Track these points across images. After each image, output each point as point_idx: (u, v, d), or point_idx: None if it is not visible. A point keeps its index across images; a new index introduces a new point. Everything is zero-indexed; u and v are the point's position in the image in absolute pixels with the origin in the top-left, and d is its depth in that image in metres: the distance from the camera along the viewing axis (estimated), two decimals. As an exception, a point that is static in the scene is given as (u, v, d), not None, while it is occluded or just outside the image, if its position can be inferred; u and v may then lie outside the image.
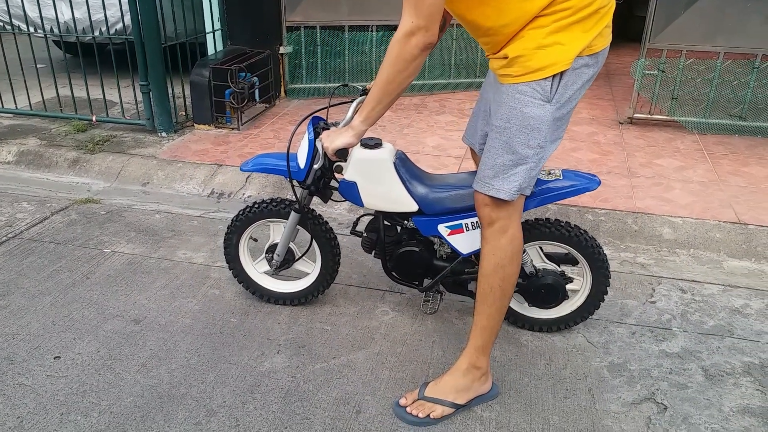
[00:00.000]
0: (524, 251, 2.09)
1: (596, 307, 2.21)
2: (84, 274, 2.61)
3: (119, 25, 4.59)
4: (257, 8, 4.43)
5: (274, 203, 2.28)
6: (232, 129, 4.15)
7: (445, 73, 4.98)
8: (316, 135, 2.03)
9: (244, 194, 3.44)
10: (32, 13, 4.61)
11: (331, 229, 2.30)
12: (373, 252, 2.22)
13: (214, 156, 3.73)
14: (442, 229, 2.07)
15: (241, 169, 2.27)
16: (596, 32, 1.62)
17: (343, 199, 2.12)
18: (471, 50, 4.95)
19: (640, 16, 5.74)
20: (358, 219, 2.29)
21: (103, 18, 4.03)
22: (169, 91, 3.96)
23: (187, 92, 4.18)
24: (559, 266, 2.18)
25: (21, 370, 2.04)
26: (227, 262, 2.40)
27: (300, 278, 2.42)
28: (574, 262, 2.17)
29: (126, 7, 3.72)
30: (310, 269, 2.39)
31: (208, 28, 4.38)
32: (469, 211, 2.00)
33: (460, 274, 2.17)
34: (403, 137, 4.01)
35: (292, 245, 2.31)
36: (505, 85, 1.68)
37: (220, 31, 4.46)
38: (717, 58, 4.01)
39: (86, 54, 4.31)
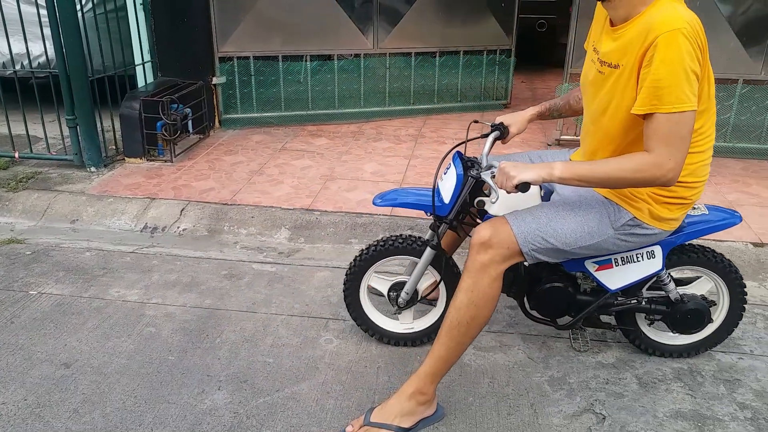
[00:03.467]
0: (669, 279, 2.11)
1: (735, 325, 2.22)
2: (8, 318, 2.47)
3: (42, 59, 4.43)
4: (188, 40, 4.39)
5: (409, 240, 2.19)
6: (165, 161, 4.06)
7: (380, 100, 5.07)
8: (465, 169, 1.99)
9: (179, 227, 3.35)
10: (-53, 47, 4.39)
11: (457, 265, 2.22)
12: (510, 290, 2.13)
13: (146, 189, 3.63)
14: (590, 264, 2.02)
15: (374, 204, 2.17)
16: (677, 214, 1.87)
17: None
18: (404, 78, 5.07)
19: (562, 43, 6.05)
20: None
21: (25, 51, 3.88)
22: (98, 124, 3.84)
23: (117, 125, 4.07)
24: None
25: (-63, 426, 1.90)
26: (345, 300, 2.30)
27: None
28: (689, 282, 2.21)
29: (50, 40, 3.61)
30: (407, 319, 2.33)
31: (138, 60, 4.30)
32: None
33: (607, 308, 2.13)
34: (342, 164, 4.03)
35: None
36: (593, 191, 1.90)
37: (150, 63, 4.38)
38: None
39: (8, 89, 4.13)
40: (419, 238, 2.20)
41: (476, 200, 2.00)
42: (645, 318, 2.21)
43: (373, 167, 4.00)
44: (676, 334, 2.22)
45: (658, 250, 2.00)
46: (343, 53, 4.92)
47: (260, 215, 3.38)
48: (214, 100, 4.67)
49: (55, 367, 2.18)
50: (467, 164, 2.01)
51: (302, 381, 2.15)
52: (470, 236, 2.10)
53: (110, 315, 2.52)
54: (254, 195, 3.56)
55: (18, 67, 4.24)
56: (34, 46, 4.03)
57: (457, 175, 1.99)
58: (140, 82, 4.38)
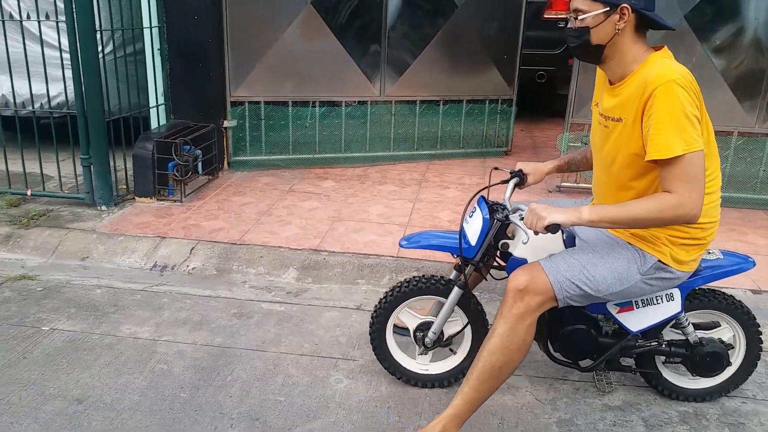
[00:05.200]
0: (688, 322, 2.17)
1: (750, 372, 2.27)
2: (20, 353, 2.49)
3: (61, 98, 4.56)
4: (202, 84, 4.53)
5: (433, 280, 2.23)
6: (175, 201, 4.13)
7: (385, 145, 5.19)
8: (491, 212, 2.07)
9: (188, 266, 3.40)
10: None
11: (482, 305, 2.27)
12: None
13: (156, 228, 3.70)
14: (611, 306, 2.08)
15: (401, 246, 2.26)
16: (694, 256, 1.97)
17: (506, 276, 2.11)
18: (408, 125, 5.20)
19: (560, 94, 6.24)
20: None
21: (45, 91, 4.00)
22: (111, 164, 3.93)
23: (129, 165, 4.17)
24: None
25: (-48, 459, 1.91)
26: (371, 342, 2.33)
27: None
28: (709, 328, 2.24)
29: (69, 81, 3.73)
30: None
31: (152, 102, 4.43)
32: None
33: (628, 350, 2.18)
34: (348, 206, 4.12)
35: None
36: (617, 237, 1.99)
37: (163, 106, 4.51)
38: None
39: (24, 127, 4.23)
40: (443, 278, 2.26)
41: (500, 243, 2.08)
42: (664, 361, 2.26)
43: (379, 209, 4.08)
44: (696, 378, 2.26)
45: (676, 293, 2.08)
46: (350, 100, 5.07)
47: (268, 255, 3.44)
48: (224, 142, 4.79)
49: (68, 403, 2.20)
50: (492, 208, 2.09)
51: (314, 420, 2.17)
52: (494, 277, 2.19)
53: (122, 352, 2.54)
54: (263, 235, 3.63)
55: (36, 106, 4.35)
56: (49, 86, 4.15)
57: (483, 218, 2.06)
58: (153, 124, 4.50)
